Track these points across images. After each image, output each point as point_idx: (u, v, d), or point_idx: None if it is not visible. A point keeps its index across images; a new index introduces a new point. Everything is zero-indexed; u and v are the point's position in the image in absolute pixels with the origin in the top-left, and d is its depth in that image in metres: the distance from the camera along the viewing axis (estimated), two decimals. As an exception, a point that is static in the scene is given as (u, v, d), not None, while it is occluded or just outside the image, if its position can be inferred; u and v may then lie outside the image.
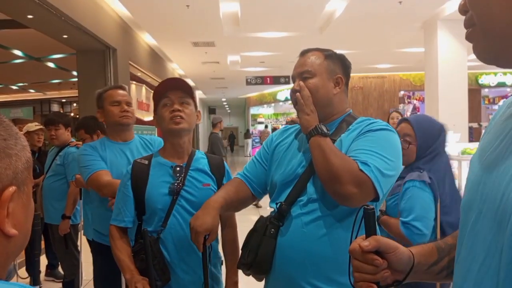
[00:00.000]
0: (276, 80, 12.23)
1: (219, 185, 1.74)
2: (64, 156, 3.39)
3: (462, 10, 0.63)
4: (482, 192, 0.62)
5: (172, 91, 1.67)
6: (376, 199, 1.28)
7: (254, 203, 1.75)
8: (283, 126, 1.94)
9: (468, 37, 0.63)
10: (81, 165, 2.22)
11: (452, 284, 0.69)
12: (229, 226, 1.80)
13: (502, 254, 0.55)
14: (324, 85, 1.42)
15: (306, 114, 1.38)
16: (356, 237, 0.81)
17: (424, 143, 1.94)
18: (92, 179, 2.14)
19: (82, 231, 3.32)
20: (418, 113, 12.25)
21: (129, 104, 2.32)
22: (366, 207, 0.79)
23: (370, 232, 0.78)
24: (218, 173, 1.76)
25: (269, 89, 18.30)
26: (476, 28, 0.61)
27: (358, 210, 0.82)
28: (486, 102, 13.89)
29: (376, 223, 0.79)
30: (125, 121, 2.26)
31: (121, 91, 2.31)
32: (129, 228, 1.70)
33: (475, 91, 12.72)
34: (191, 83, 15.94)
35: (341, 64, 1.47)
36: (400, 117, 4.24)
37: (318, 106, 1.41)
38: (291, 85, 1.50)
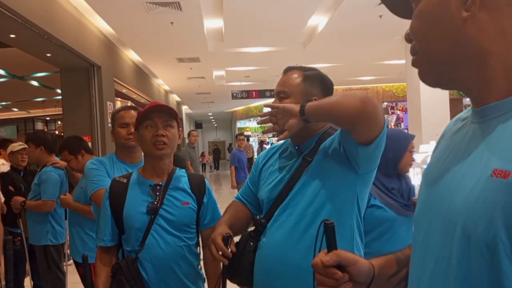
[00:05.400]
0: (261, 94, 12.29)
1: (200, 203, 1.74)
2: (39, 175, 3.39)
3: (408, 39, 0.69)
4: (431, 204, 0.67)
5: (156, 113, 1.67)
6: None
7: None
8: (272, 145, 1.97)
9: (414, 63, 0.69)
10: (89, 178, 2.22)
11: None
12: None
13: (451, 259, 0.58)
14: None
15: (290, 116, 1.34)
16: (319, 251, 0.83)
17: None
18: (96, 195, 2.13)
19: (68, 251, 3.27)
20: (394, 126, 12.44)
21: None
22: (326, 221, 0.81)
23: (331, 247, 0.80)
24: (199, 192, 1.75)
25: (255, 103, 18.40)
26: (419, 56, 0.67)
27: (319, 225, 0.84)
28: (468, 111, 14.15)
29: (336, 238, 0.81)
30: (131, 143, 2.21)
31: (133, 112, 2.25)
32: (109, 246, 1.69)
33: (456, 101, 12.96)
34: (176, 98, 15.94)
35: (320, 85, 1.48)
36: None
37: None
38: None
